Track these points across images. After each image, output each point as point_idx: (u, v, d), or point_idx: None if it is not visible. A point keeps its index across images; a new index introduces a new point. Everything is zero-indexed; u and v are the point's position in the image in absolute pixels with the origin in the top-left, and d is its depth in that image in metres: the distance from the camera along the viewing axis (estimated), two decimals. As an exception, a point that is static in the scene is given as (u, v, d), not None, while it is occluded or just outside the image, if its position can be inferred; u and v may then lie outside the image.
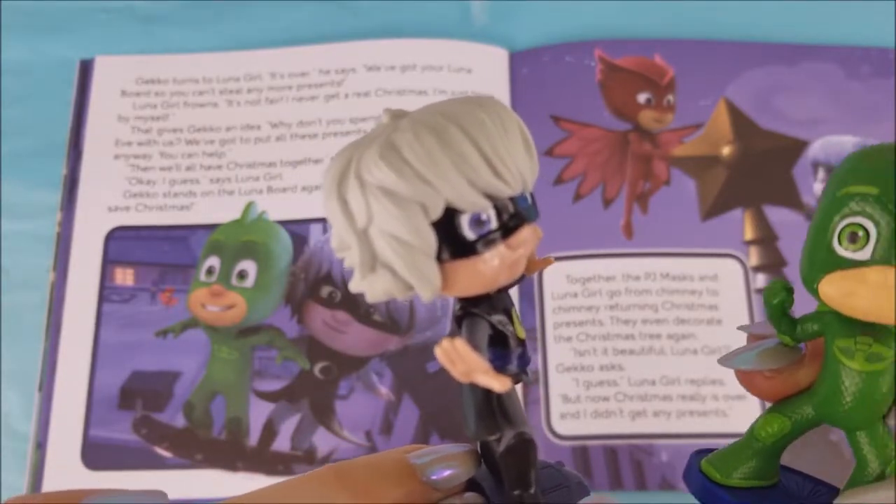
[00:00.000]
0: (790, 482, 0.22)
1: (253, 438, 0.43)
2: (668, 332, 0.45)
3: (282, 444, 0.43)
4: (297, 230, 0.47)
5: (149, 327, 0.45)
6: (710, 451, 0.23)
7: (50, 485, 0.42)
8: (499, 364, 0.19)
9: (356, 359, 0.44)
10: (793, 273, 0.46)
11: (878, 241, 0.18)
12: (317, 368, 0.44)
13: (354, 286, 0.18)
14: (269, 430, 0.43)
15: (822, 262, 0.19)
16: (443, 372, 0.48)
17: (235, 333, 0.45)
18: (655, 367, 0.44)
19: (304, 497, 0.19)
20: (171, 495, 0.43)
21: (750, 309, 0.45)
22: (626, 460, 0.42)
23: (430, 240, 0.17)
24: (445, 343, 0.17)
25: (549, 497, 0.20)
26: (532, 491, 0.19)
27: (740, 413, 0.43)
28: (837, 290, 0.18)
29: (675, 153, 0.49)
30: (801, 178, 0.48)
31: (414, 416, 0.43)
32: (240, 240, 0.46)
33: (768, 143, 0.49)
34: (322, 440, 0.43)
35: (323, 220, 0.47)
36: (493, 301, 0.19)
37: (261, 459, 0.42)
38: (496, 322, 0.19)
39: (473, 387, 0.19)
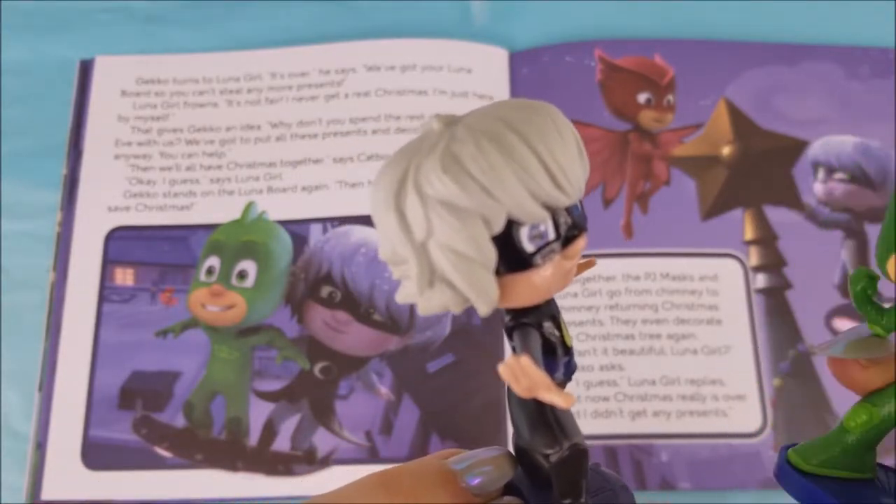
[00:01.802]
0: (889, 480, 0.22)
1: (253, 438, 0.43)
2: (668, 332, 0.45)
3: (282, 444, 0.43)
4: (297, 230, 0.47)
5: (149, 327, 0.45)
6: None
7: (50, 485, 0.42)
8: (547, 372, 0.19)
9: (356, 359, 0.44)
10: (793, 273, 0.46)
11: None
12: (317, 368, 0.44)
13: (406, 299, 0.18)
14: (269, 430, 0.43)
15: (893, 241, 0.18)
16: (443, 372, 0.48)
17: (235, 333, 0.45)
18: (655, 367, 0.44)
19: None
20: (171, 495, 0.44)
21: (750, 309, 0.45)
22: (626, 460, 0.42)
23: (491, 254, 0.17)
24: (511, 360, 0.17)
25: (595, 501, 0.20)
26: (583, 500, 0.20)
27: (740, 413, 0.43)
28: None
29: (675, 153, 0.49)
30: (801, 178, 0.48)
31: (414, 416, 0.43)
32: (240, 240, 0.46)
33: (768, 143, 0.49)
34: (322, 440, 0.43)
35: (323, 220, 0.47)
36: (542, 309, 0.19)
37: (261, 459, 0.42)
38: (546, 331, 0.19)
39: (527, 400, 0.19)
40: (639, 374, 0.44)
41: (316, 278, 0.46)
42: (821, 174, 0.48)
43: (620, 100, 0.50)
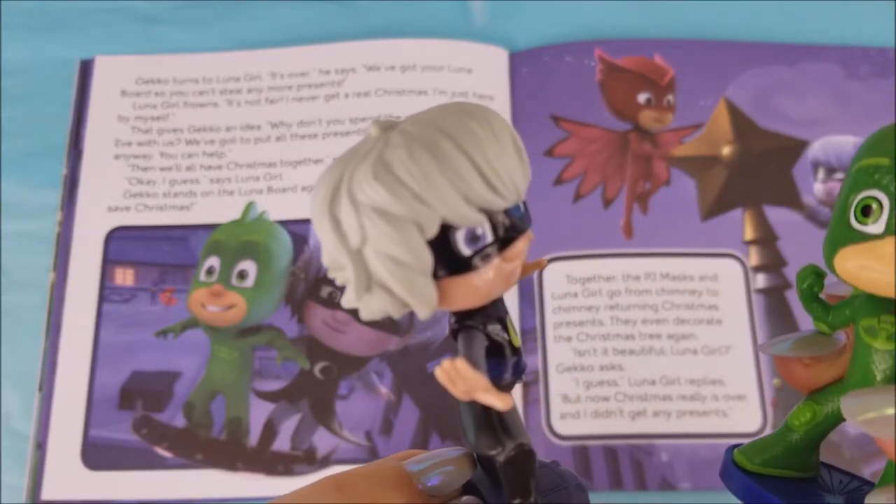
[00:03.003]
0: (832, 478, 0.22)
1: (253, 438, 0.43)
2: (668, 332, 0.45)
3: (282, 444, 0.43)
4: (297, 230, 0.47)
5: (149, 327, 0.45)
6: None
7: (50, 485, 0.42)
8: (494, 374, 0.19)
9: (356, 359, 0.44)
10: (793, 273, 0.46)
11: (891, 212, 0.17)
12: (317, 368, 0.44)
13: (348, 304, 0.18)
14: (269, 430, 0.43)
15: (839, 237, 0.18)
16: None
17: (235, 333, 0.45)
18: (655, 367, 0.44)
19: None
20: (171, 495, 0.44)
21: (750, 309, 0.45)
22: (626, 460, 0.42)
23: (426, 258, 0.17)
24: (446, 364, 0.17)
25: (548, 499, 0.20)
26: (532, 499, 0.20)
27: (740, 413, 0.43)
28: (851, 265, 0.18)
29: (675, 153, 0.49)
30: (801, 178, 0.48)
31: (414, 416, 0.43)
32: (240, 240, 0.46)
33: (768, 143, 0.49)
34: (322, 440, 0.43)
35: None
36: (488, 311, 0.19)
37: (261, 459, 0.42)
38: (492, 332, 0.19)
39: (472, 402, 0.19)
40: (639, 374, 0.44)
41: (316, 278, 0.46)
42: (821, 174, 0.48)
43: (620, 100, 0.50)
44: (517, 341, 0.20)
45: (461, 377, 0.17)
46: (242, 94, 0.50)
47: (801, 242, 0.47)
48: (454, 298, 0.18)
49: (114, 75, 0.51)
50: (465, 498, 0.20)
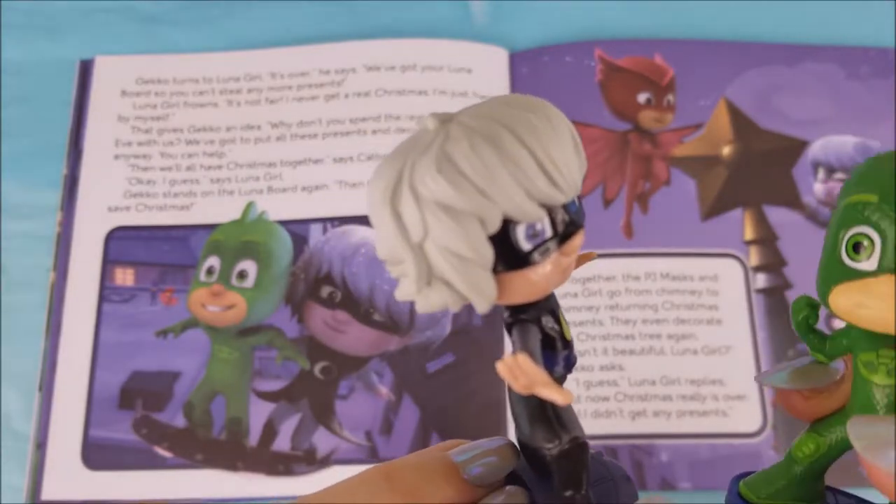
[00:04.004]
0: (840, 502, 0.22)
1: (253, 438, 0.43)
2: (668, 332, 0.45)
3: (282, 444, 0.43)
4: (297, 230, 0.47)
5: (149, 327, 0.45)
6: (751, 473, 0.23)
7: (50, 485, 0.42)
8: (547, 367, 0.19)
9: (356, 359, 0.44)
10: (793, 273, 0.46)
11: (882, 249, 0.17)
12: (317, 368, 0.44)
13: (404, 297, 0.18)
14: (269, 430, 0.43)
15: (832, 274, 0.18)
16: (443, 372, 0.48)
17: (235, 333, 0.45)
18: (655, 367, 0.44)
19: (355, 501, 0.20)
20: (172, 495, 0.44)
21: (750, 309, 0.45)
22: (626, 460, 0.42)
23: (488, 253, 0.17)
24: (508, 359, 0.17)
25: (595, 491, 0.20)
26: (584, 492, 0.20)
27: (740, 413, 0.43)
28: (846, 303, 0.18)
29: (675, 153, 0.49)
30: (801, 178, 0.48)
31: (414, 416, 0.43)
32: (240, 240, 0.46)
33: (768, 143, 0.49)
34: (322, 440, 0.43)
35: (323, 220, 0.47)
36: (541, 304, 0.19)
37: (261, 459, 0.42)
38: (545, 325, 0.19)
39: (529, 396, 0.19)
40: (639, 374, 0.44)
41: (316, 278, 0.46)
42: (821, 174, 0.48)
43: (620, 100, 0.50)
44: (569, 334, 0.20)
45: (523, 372, 0.17)
46: (242, 94, 0.50)
47: (801, 242, 0.47)
48: (512, 293, 0.18)
49: (114, 75, 0.51)
50: (509, 488, 0.21)
